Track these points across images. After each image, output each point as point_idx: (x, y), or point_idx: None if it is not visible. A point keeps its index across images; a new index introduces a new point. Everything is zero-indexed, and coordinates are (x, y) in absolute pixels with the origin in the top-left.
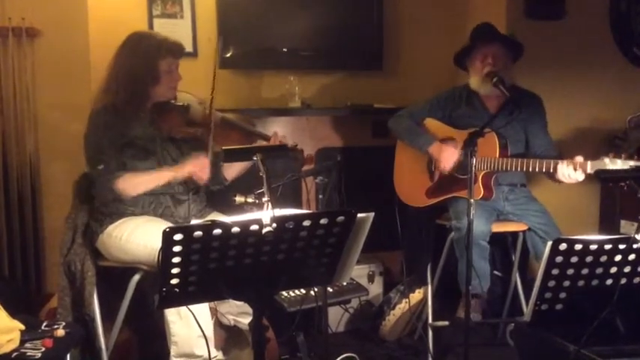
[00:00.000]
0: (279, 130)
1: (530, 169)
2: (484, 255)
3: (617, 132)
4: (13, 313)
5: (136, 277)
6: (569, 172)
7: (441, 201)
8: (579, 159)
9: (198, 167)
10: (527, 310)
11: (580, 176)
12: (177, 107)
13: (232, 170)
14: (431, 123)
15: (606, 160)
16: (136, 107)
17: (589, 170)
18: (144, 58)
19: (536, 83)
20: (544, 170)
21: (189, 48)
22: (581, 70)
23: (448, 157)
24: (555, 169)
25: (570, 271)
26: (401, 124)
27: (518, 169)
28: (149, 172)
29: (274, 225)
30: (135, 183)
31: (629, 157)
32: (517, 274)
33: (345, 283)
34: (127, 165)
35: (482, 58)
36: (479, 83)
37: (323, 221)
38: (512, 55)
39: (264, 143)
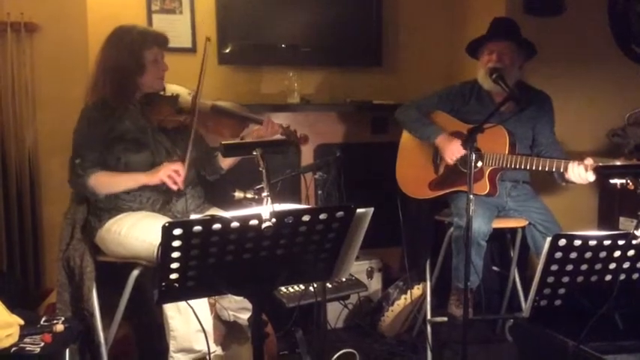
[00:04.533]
0: None
1: (540, 168)
2: (481, 254)
3: (615, 128)
4: (12, 308)
5: (135, 273)
6: (580, 171)
7: (443, 194)
8: (589, 161)
9: (170, 174)
10: (526, 306)
11: (591, 177)
12: (166, 98)
13: (228, 159)
14: (439, 116)
15: (617, 163)
16: (125, 99)
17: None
18: (129, 50)
19: (534, 79)
20: (554, 169)
21: (187, 44)
22: (580, 67)
23: (454, 150)
24: (566, 168)
25: (569, 267)
26: (409, 115)
27: (529, 167)
28: (123, 174)
29: (274, 220)
30: (107, 182)
31: None
32: (516, 270)
33: (344, 279)
34: (122, 158)
35: (488, 53)
36: (483, 77)
37: (322, 216)
38: (524, 54)
39: (257, 127)
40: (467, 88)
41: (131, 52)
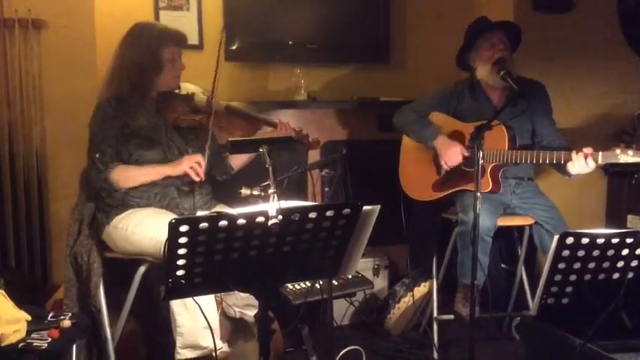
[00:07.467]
0: None
1: (541, 161)
2: (485, 250)
3: (625, 127)
4: (20, 303)
5: (142, 269)
6: (581, 161)
7: (447, 195)
8: (588, 150)
9: (193, 165)
10: (533, 304)
11: (592, 164)
12: (181, 96)
13: (239, 159)
14: (437, 117)
15: (617, 150)
16: (141, 97)
17: (600, 161)
18: (147, 48)
19: (543, 76)
20: (554, 162)
21: (194, 40)
22: (590, 64)
23: (452, 155)
24: (566, 159)
25: (577, 265)
26: (406, 118)
27: (528, 161)
28: (144, 167)
29: (280, 217)
30: (128, 176)
31: None
32: (523, 268)
33: (350, 276)
34: (133, 154)
35: (488, 47)
36: (487, 72)
37: (329, 213)
38: (512, 45)
39: (270, 129)
40: (461, 87)
41: (149, 49)
